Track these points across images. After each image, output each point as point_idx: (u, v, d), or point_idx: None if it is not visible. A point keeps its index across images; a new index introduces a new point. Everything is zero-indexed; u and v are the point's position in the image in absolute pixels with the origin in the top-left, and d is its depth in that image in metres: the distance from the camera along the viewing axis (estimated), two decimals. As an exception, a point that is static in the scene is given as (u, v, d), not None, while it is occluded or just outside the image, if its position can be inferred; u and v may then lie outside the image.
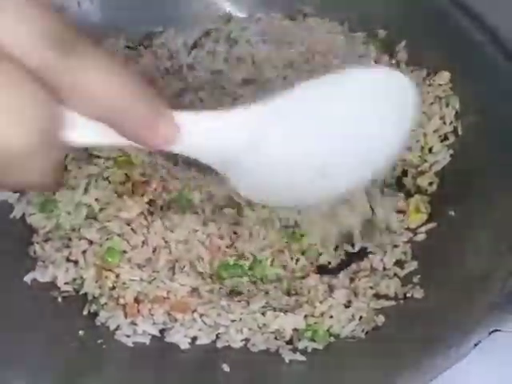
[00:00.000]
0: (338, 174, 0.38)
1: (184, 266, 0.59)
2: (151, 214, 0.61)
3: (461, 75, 0.68)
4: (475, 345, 0.47)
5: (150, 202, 0.62)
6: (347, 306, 0.57)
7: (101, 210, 0.61)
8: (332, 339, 0.55)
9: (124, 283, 0.57)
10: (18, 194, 0.63)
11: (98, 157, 0.63)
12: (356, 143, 0.37)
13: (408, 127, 0.39)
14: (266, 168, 0.35)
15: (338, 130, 0.36)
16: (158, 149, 0.30)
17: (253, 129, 0.33)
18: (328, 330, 0.56)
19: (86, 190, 0.61)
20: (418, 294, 0.57)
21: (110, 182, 0.61)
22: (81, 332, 0.54)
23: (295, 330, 0.56)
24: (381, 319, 0.56)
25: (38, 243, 0.60)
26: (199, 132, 0.31)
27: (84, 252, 0.58)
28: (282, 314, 0.55)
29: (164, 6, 0.73)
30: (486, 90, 0.65)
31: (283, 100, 0.33)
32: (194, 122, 0.31)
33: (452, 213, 0.62)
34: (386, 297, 0.58)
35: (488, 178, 0.62)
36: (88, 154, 0.62)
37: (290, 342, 0.55)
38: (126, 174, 0.62)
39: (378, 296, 0.58)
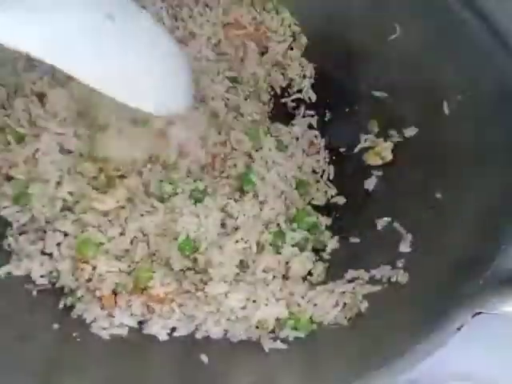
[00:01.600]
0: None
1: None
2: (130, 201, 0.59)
3: (447, 55, 0.66)
4: (458, 328, 0.45)
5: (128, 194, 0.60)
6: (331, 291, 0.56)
7: (75, 202, 0.59)
8: (315, 326, 0.54)
9: (101, 275, 0.55)
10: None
11: (70, 151, 0.61)
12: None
13: None
14: None
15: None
16: None
17: None
18: (311, 318, 0.54)
19: (59, 184, 0.59)
20: (403, 278, 0.55)
21: (82, 176, 0.60)
22: (55, 325, 0.53)
23: (277, 319, 0.54)
24: (364, 305, 0.54)
25: (12, 236, 0.58)
26: None
27: (59, 244, 0.57)
28: (263, 305, 0.54)
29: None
30: (473, 72, 0.63)
31: None
32: None
33: (439, 195, 0.61)
34: (371, 281, 0.57)
35: (475, 160, 0.60)
36: (60, 149, 0.60)
37: (271, 331, 0.54)
38: (99, 168, 0.60)
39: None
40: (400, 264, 0.57)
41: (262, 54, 0.72)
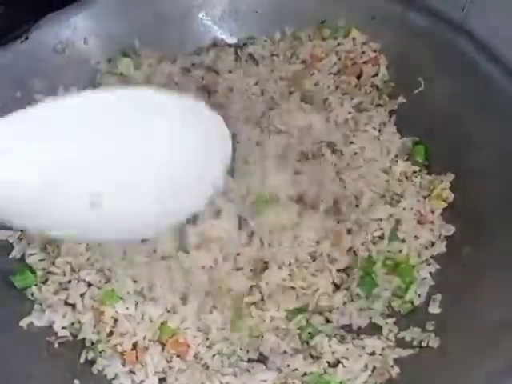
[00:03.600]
0: (115, 206, 0.32)
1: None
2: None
3: (473, 109, 0.65)
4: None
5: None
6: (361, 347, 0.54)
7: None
8: (345, 392, 0.52)
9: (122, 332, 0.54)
10: (18, 233, 0.61)
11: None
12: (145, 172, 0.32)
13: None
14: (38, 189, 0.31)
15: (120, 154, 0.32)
16: None
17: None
18: (341, 382, 0.52)
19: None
20: (434, 343, 0.53)
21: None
22: (76, 381, 0.52)
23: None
24: (396, 370, 0.52)
25: (35, 285, 0.57)
26: None
27: (82, 295, 0.56)
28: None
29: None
30: (499, 125, 0.62)
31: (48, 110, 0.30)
32: None
33: (468, 249, 0.59)
34: (402, 344, 0.55)
35: (504, 216, 0.58)
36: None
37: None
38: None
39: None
40: (431, 327, 0.55)
41: (358, 78, 0.71)
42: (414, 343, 0.54)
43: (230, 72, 0.70)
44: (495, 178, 0.61)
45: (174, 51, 0.71)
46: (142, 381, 0.53)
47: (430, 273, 0.59)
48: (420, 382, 0.51)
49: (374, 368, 0.53)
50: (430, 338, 0.54)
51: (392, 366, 0.52)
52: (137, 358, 0.54)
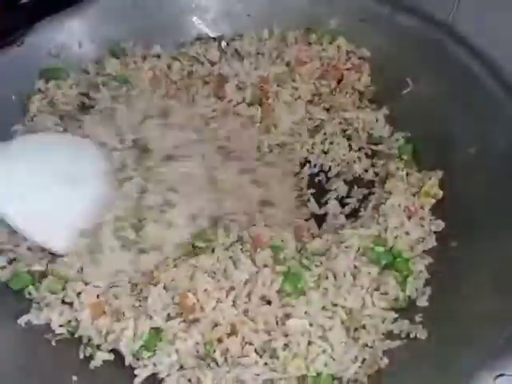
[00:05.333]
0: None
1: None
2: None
3: (459, 108, 0.67)
4: (481, 391, 0.45)
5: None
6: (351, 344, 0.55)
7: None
8: (336, 383, 0.53)
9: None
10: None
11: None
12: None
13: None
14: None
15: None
16: None
17: None
18: (332, 374, 0.53)
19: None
20: (422, 334, 0.55)
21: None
22: (74, 378, 0.53)
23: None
24: (384, 361, 0.54)
25: (33, 284, 0.59)
26: None
27: (79, 293, 0.57)
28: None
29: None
30: (486, 124, 0.64)
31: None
32: None
33: (456, 243, 0.61)
34: (390, 336, 0.56)
35: (489, 212, 0.60)
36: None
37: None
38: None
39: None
40: (418, 319, 0.57)
41: (338, 82, 0.73)
42: (402, 335, 0.56)
43: (214, 63, 0.73)
44: (481, 174, 0.63)
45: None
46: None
47: (425, 266, 0.60)
48: (407, 373, 0.52)
49: (364, 360, 0.54)
50: (418, 330, 0.55)
51: (381, 358, 0.54)
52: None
